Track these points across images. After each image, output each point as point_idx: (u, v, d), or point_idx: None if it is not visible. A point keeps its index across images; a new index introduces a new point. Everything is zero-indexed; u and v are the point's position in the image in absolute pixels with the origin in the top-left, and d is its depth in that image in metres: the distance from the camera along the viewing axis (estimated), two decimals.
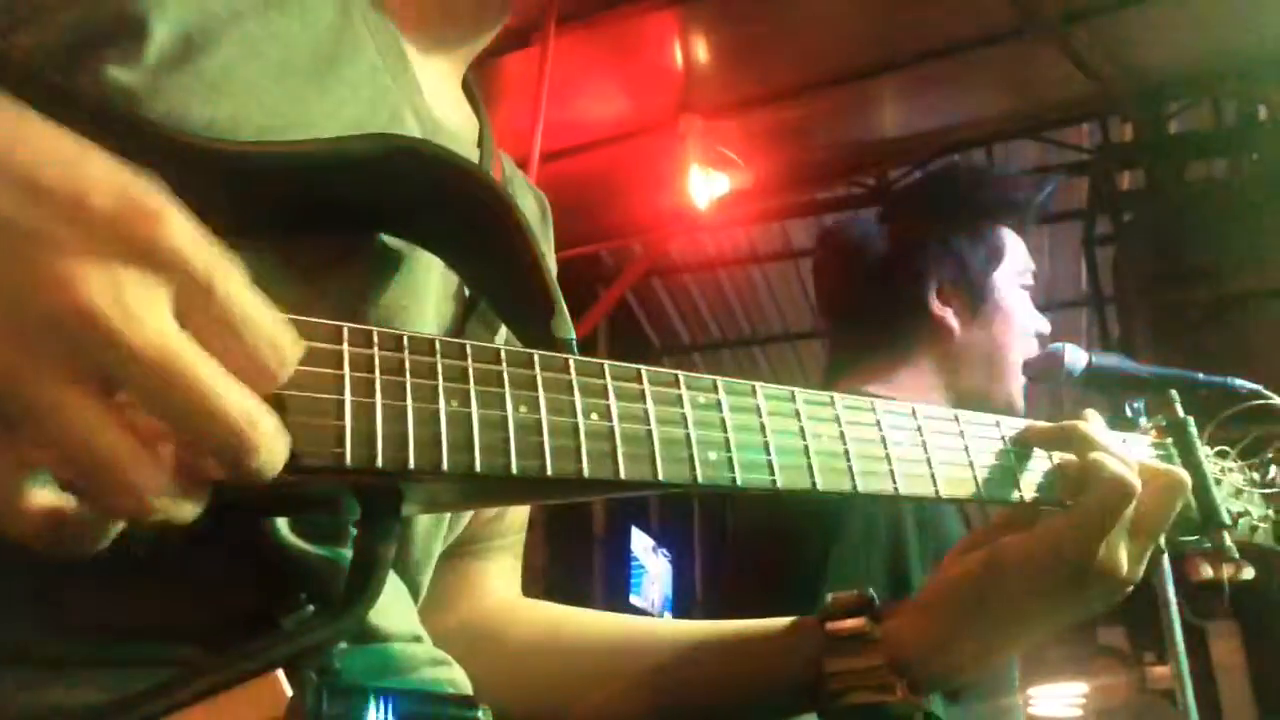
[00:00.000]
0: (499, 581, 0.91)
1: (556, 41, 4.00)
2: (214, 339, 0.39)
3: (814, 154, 5.06)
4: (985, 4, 3.97)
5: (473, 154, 0.81)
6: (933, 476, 0.70)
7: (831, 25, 4.16)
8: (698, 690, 0.84)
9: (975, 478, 0.73)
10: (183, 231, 0.39)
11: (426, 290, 0.68)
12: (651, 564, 6.86)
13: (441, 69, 0.83)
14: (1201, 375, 1.40)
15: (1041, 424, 0.80)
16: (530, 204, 0.94)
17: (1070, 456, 0.79)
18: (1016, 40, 4.17)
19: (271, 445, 0.40)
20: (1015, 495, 0.75)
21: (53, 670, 0.48)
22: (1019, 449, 0.78)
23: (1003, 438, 0.77)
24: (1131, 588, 0.77)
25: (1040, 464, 0.79)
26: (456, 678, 0.70)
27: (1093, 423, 0.79)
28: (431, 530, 0.75)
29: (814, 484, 0.62)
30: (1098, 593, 0.76)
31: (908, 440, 0.70)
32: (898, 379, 1.54)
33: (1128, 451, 0.78)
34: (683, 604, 7.18)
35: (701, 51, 4.38)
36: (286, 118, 0.61)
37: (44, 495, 0.38)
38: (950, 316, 1.57)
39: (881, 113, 4.83)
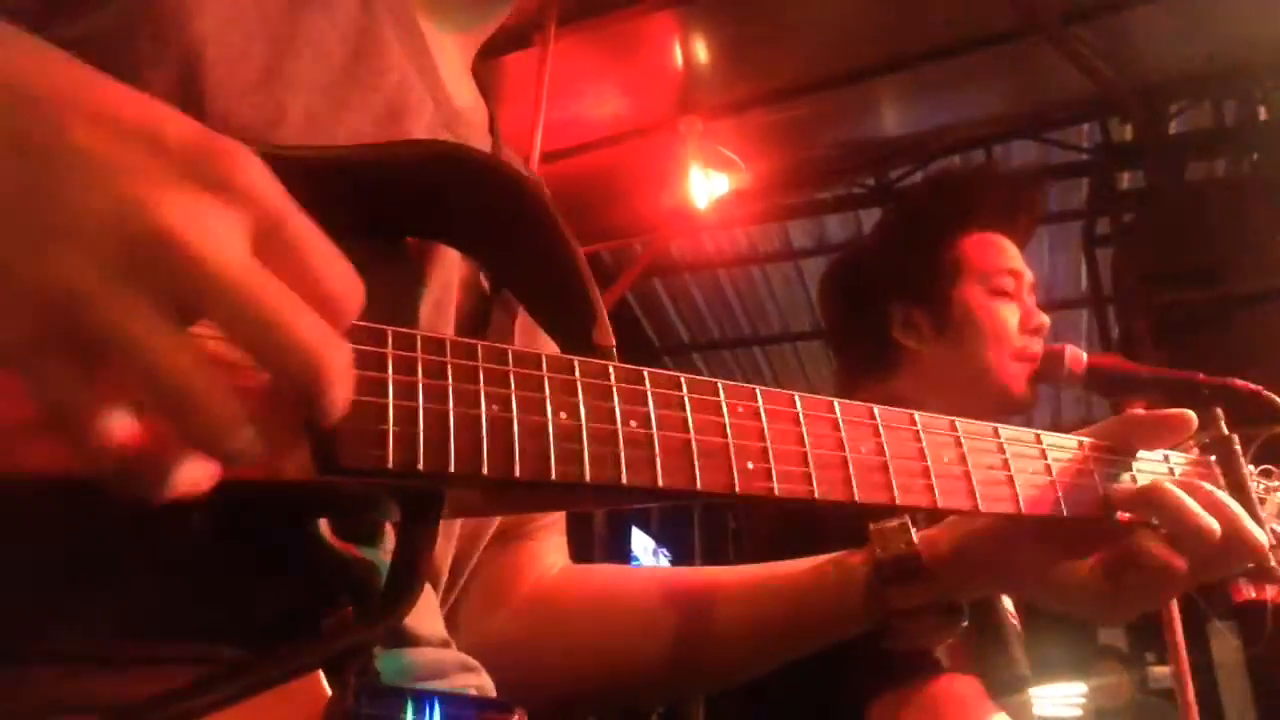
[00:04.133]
0: (553, 557, 0.92)
1: (556, 41, 4.00)
2: (286, 272, 0.38)
3: (814, 154, 5.06)
4: (985, 4, 3.98)
5: (486, 140, 0.83)
6: (974, 491, 0.70)
7: (831, 25, 4.16)
8: (749, 639, 0.87)
9: (1018, 494, 0.73)
10: (256, 169, 0.39)
11: (452, 287, 0.69)
12: (651, 564, 6.86)
13: (455, 53, 0.84)
14: (1202, 375, 1.41)
15: (1127, 486, 0.81)
16: None
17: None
18: (1016, 40, 4.18)
19: (345, 374, 0.40)
20: (1052, 511, 0.75)
21: (94, 666, 0.48)
22: (1059, 461, 0.77)
23: (1043, 452, 0.77)
24: None
25: (1082, 479, 0.78)
26: (484, 684, 0.70)
27: (1176, 484, 0.80)
28: (447, 533, 0.75)
29: (853, 496, 0.62)
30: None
31: (949, 454, 0.70)
32: (889, 399, 1.55)
33: (1230, 514, 0.79)
34: None
35: (701, 52, 4.38)
36: (325, 114, 0.62)
37: (122, 426, 0.37)
38: (915, 341, 1.59)
39: (881, 113, 4.83)
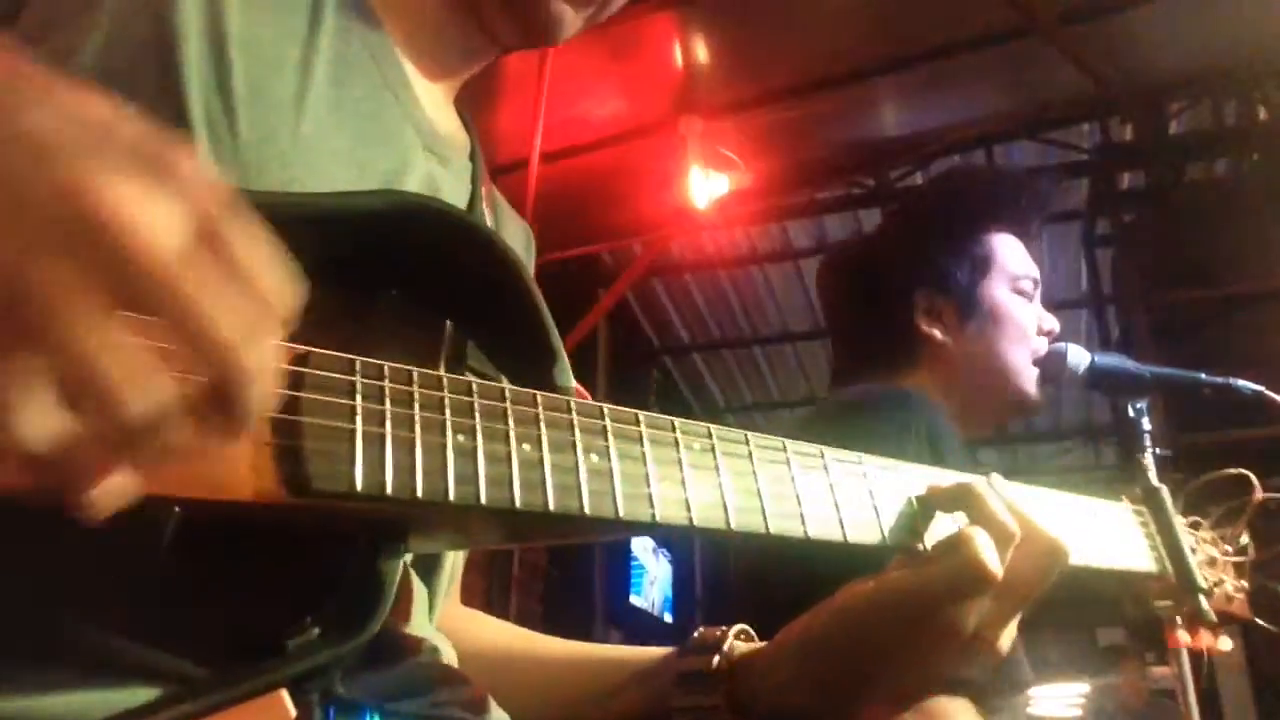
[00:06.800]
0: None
1: None
2: (220, 269, 0.39)
3: (814, 154, 5.06)
4: (985, 4, 3.98)
5: (466, 166, 0.85)
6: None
7: (831, 25, 4.16)
8: (562, 715, 0.84)
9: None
10: (202, 170, 0.40)
11: (424, 344, 0.69)
12: (651, 564, 6.87)
13: (436, 87, 0.86)
14: (1203, 375, 1.40)
15: (945, 485, 0.74)
16: (517, 235, 0.97)
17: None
18: (1016, 40, 4.18)
19: (263, 374, 0.39)
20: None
21: (59, 685, 0.48)
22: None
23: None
24: (998, 656, 0.71)
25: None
26: (469, 698, 0.70)
27: (993, 484, 0.74)
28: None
29: (805, 534, 0.64)
30: (947, 654, 0.70)
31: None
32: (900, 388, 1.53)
33: (1025, 516, 0.72)
34: (683, 604, 7.19)
35: (701, 52, 4.39)
36: (309, 134, 0.64)
37: (45, 412, 0.36)
38: (940, 332, 1.55)
39: (881, 113, 4.83)
